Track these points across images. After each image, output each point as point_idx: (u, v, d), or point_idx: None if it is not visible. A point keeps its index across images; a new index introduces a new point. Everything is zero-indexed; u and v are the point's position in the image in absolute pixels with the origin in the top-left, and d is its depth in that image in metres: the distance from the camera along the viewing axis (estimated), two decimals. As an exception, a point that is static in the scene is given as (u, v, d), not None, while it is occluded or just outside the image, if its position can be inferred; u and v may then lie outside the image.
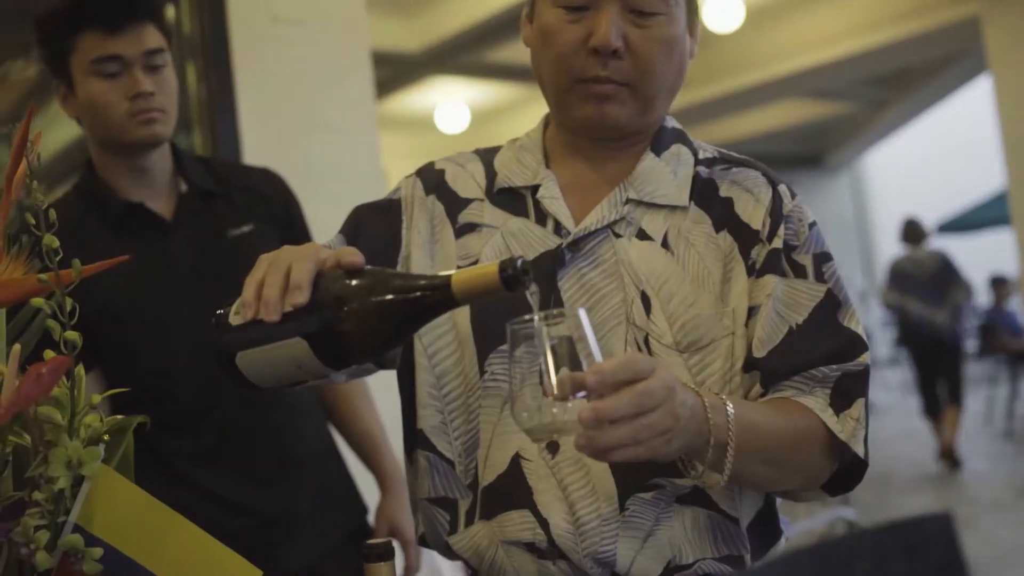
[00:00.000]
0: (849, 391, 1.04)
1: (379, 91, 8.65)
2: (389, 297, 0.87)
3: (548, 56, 1.07)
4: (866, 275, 13.91)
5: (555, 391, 0.82)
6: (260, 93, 2.61)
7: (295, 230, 1.77)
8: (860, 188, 14.56)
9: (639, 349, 1.04)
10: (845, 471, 1.06)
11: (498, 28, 6.21)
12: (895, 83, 9.76)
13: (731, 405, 0.94)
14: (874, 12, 7.35)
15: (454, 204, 1.15)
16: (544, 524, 1.02)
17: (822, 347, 1.05)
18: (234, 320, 0.91)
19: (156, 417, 1.62)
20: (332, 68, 2.74)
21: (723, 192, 1.10)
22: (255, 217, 1.72)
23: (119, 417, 1.01)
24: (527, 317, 0.84)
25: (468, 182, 1.16)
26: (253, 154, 2.53)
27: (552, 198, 1.10)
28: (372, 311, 0.87)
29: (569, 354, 0.84)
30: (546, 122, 1.17)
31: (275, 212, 1.75)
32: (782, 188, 1.11)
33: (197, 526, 0.92)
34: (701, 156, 1.14)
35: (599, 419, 0.80)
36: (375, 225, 1.16)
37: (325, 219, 1.63)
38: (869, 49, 7.46)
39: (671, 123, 1.16)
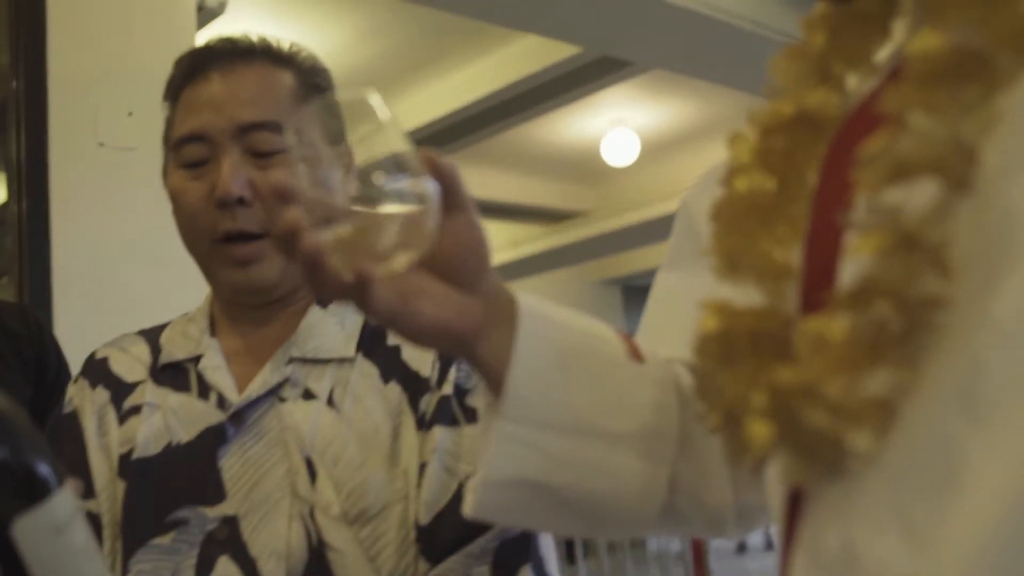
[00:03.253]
0: (508, 562, 0.92)
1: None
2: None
3: (181, 220, 1.02)
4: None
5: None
6: (79, 219, 2.48)
7: (47, 378, 1.59)
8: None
9: (304, 524, 0.92)
10: None
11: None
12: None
13: None
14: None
15: (120, 390, 1.05)
16: None
17: None
18: None
19: None
20: (161, 197, 2.60)
21: (391, 340, 1.02)
22: None
23: None
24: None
25: (133, 365, 1.07)
26: (66, 283, 2.41)
27: (214, 368, 1.01)
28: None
29: None
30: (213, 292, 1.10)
31: (25, 356, 1.58)
32: None
33: None
34: None
35: None
36: (67, 449, 1.04)
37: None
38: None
39: None
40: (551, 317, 0.68)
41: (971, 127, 0.41)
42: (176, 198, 1.01)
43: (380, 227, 0.57)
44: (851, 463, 0.49)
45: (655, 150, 7.36)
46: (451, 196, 0.61)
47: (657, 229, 8.79)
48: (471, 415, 0.97)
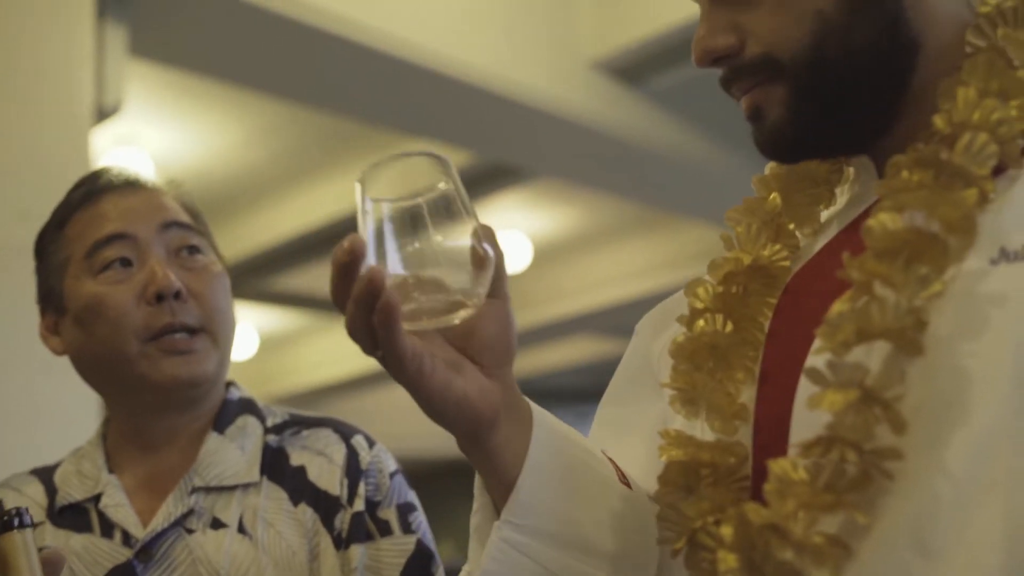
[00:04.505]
0: None
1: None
2: None
3: (103, 328, 0.98)
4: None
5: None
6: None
7: None
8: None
9: None
10: None
11: (286, 255, 6.17)
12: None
13: None
14: (665, 255, 7.72)
15: None
16: None
17: None
18: None
19: None
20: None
21: (295, 460, 1.02)
22: None
23: None
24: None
25: (29, 507, 1.02)
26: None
27: (116, 506, 0.98)
28: None
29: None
30: (106, 424, 1.07)
31: None
32: (357, 440, 1.03)
33: None
34: (270, 423, 1.06)
35: None
36: None
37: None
38: (656, 291, 7.79)
39: (237, 393, 1.08)
40: (559, 428, 0.69)
41: (923, 298, 0.47)
42: (99, 304, 0.98)
43: (440, 281, 0.59)
44: (811, 597, 0.53)
45: (544, 256, 7.50)
46: (496, 282, 0.62)
47: (545, 333, 8.88)
48: (384, 528, 0.98)
